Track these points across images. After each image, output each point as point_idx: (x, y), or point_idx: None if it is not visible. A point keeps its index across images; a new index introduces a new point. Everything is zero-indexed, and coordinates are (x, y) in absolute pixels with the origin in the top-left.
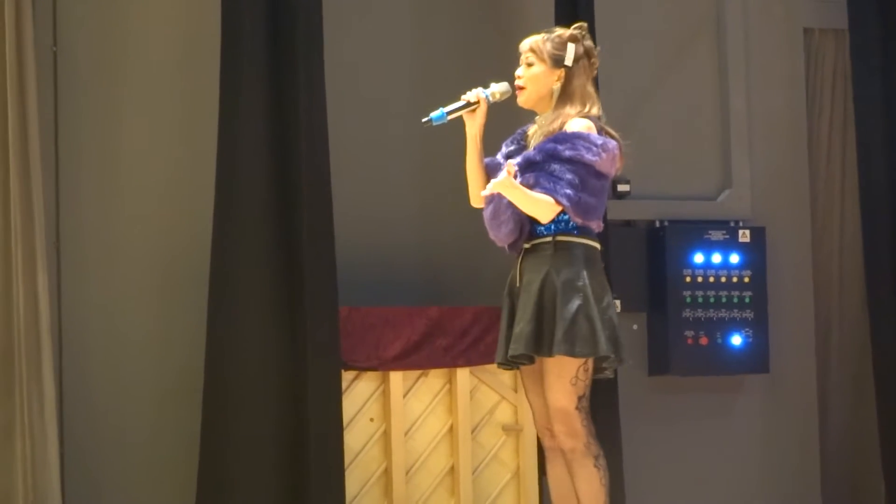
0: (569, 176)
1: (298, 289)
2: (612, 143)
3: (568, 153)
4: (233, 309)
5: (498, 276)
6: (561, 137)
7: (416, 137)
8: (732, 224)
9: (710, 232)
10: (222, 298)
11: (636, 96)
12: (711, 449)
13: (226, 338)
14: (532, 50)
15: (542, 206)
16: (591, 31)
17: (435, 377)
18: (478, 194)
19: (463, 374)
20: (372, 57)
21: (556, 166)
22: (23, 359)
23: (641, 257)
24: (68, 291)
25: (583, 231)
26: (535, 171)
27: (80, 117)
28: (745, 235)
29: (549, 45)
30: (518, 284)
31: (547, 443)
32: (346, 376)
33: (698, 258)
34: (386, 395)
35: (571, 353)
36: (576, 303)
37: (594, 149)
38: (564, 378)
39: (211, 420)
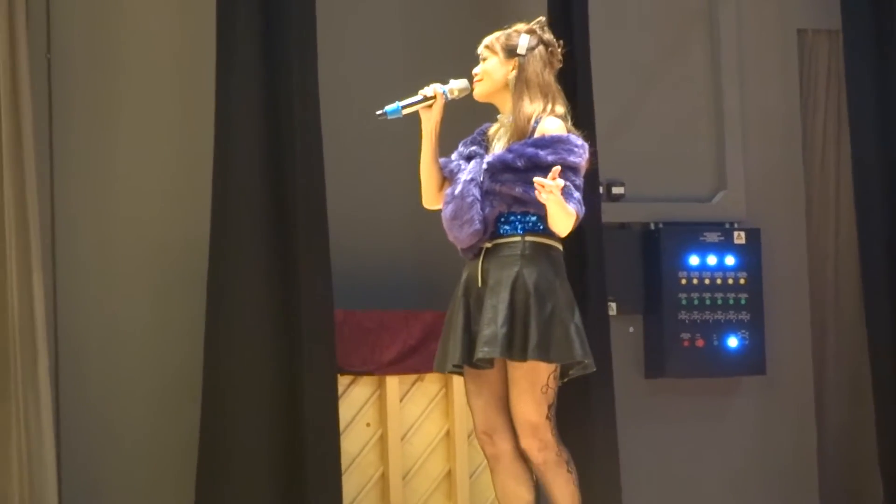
0: (567, 184)
1: (294, 293)
2: (587, 145)
3: (551, 158)
4: (230, 313)
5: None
6: (540, 142)
7: (410, 139)
8: (727, 226)
9: (704, 234)
10: (219, 302)
11: (629, 98)
12: (708, 451)
13: (222, 342)
14: (486, 46)
15: (571, 220)
16: (584, 30)
17: (431, 381)
18: (431, 194)
19: (459, 379)
20: (364, 58)
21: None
22: (18, 359)
23: (636, 259)
24: (64, 292)
25: (550, 232)
26: (517, 177)
27: (74, 122)
28: (740, 237)
29: (503, 39)
30: (480, 285)
31: (488, 450)
32: (342, 381)
33: (693, 260)
34: (382, 399)
35: (546, 359)
36: (549, 307)
37: (576, 150)
38: (536, 387)
39: (208, 423)
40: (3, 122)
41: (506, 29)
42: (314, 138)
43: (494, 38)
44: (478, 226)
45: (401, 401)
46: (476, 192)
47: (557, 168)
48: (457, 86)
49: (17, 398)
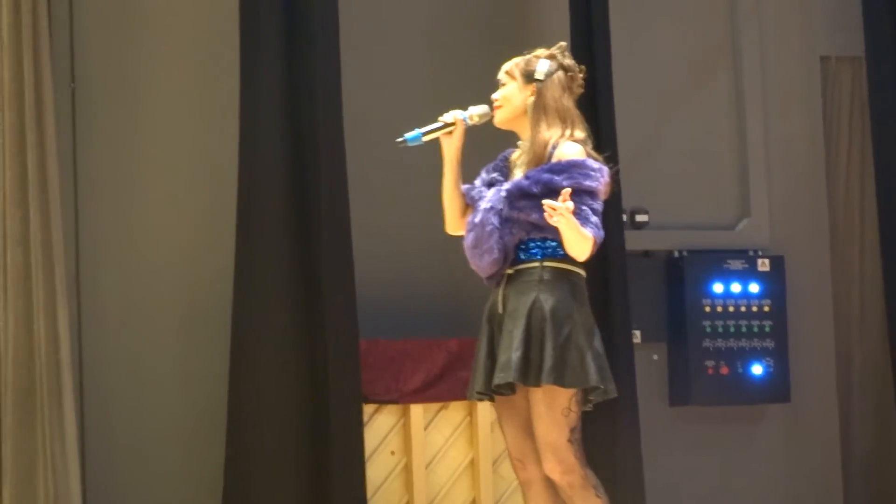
0: (584, 208)
1: (319, 323)
2: (606, 169)
3: (567, 183)
4: (254, 344)
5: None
6: (556, 167)
7: (434, 165)
8: (751, 253)
9: (728, 261)
10: (244, 333)
11: (652, 125)
12: (733, 479)
13: (247, 373)
14: (506, 72)
15: (588, 244)
16: (606, 58)
17: (455, 409)
18: (454, 221)
19: (483, 407)
20: (389, 83)
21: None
22: (44, 394)
23: (660, 287)
24: (89, 326)
25: (571, 258)
26: (534, 203)
27: (98, 153)
28: (763, 264)
29: (522, 64)
30: (501, 311)
31: (520, 475)
32: (367, 409)
33: (717, 288)
34: (406, 427)
35: (560, 384)
36: (565, 331)
37: (592, 174)
38: (555, 410)
39: (234, 456)
40: (29, 152)
41: (526, 55)
42: (339, 167)
43: (514, 64)
44: (497, 254)
45: (425, 429)
46: (495, 220)
47: (567, 190)
48: (477, 112)
49: (44, 432)
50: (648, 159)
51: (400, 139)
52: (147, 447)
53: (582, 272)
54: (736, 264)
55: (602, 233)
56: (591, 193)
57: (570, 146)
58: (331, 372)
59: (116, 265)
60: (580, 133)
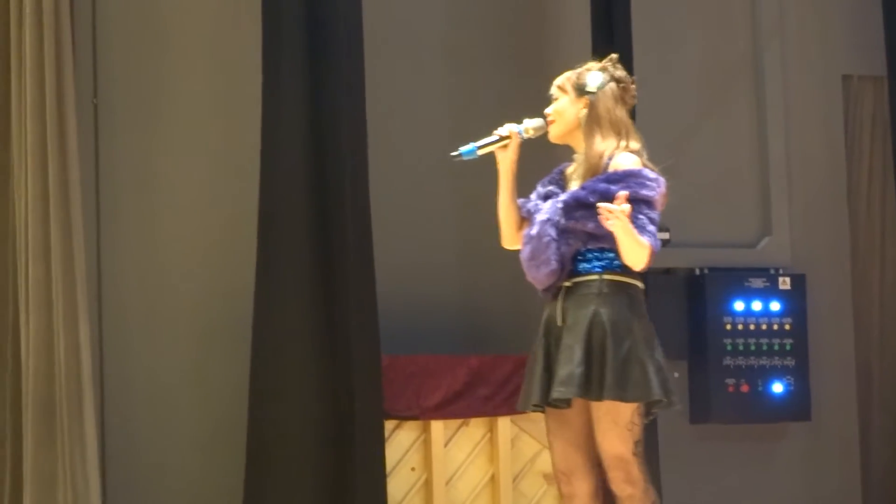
0: (641, 217)
1: (342, 338)
2: (662, 179)
3: (623, 193)
4: (276, 358)
5: (539, 324)
6: (613, 177)
7: (454, 182)
8: (772, 271)
9: (749, 279)
10: (266, 348)
11: (674, 143)
12: (753, 497)
13: (269, 387)
14: (558, 87)
15: (645, 252)
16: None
17: (476, 426)
18: (510, 235)
19: (504, 423)
20: (409, 102)
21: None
22: (64, 409)
23: (681, 305)
24: (110, 342)
25: (629, 270)
26: (590, 212)
27: (120, 169)
28: (785, 283)
29: (573, 78)
30: (560, 324)
31: (564, 489)
32: (388, 425)
33: (738, 306)
34: (427, 444)
35: (623, 398)
36: (626, 345)
37: (649, 184)
38: (620, 424)
39: (254, 471)
40: (51, 168)
41: (577, 68)
42: (362, 180)
43: (566, 78)
44: (554, 265)
45: (445, 445)
46: (552, 231)
47: (625, 193)
48: (532, 125)
49: (63, 447)
50: (670, 177)
51: (455, 153)
52: (167, 462)
53: (640, 284)
54: (757, 282)
55: (659, 243)
56: (648, 203)
57: (626, 156)
58: (354, 387)
59: (138, 278)
60: (635, 143)
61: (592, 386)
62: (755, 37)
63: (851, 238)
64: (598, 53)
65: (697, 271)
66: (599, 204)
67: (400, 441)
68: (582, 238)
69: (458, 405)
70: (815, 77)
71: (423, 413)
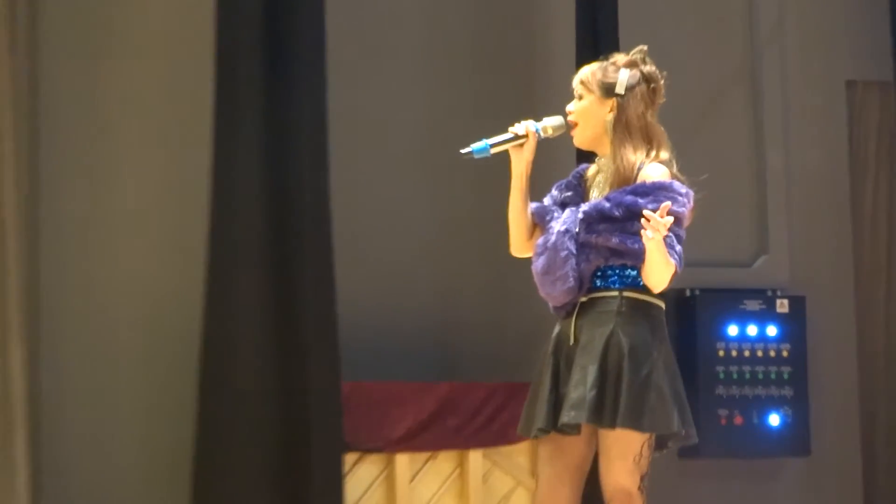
0: (670, 234)
1: (298, 365)
2: (692, 193)
3: (651, 206)
4: (227, 383)
5: (515, 348)
6: (640, 189)
7: (426, 198)
8: (769, 293)
9: (745, 301)
10: (216, 372)
11: None
12: None
13: (219, 414)
14: (582, 82)
15: (670, 273)
16: None
17: (444, 460)
18: (520, 242)
19: (475, 457)
20: (381, 111)
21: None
22: None
23: (670, 329)
24: (48, 362)
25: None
26: (614, 226)
27: (62, 178)
28: (783, 305)
29: (599, 74)
30: (572, 343)
31: None
32: (349, 459)
33: (732, 330)
34: (391, 479)
35: (638, 427)
36: (644, 371)
37: (679, 199)
38: (628, 456)
39: None
40: None
41: (603, 61)
42: (322, 198)
43: (591, 73)
44: (572, 283)
45: (411, 481)
46: (571, 245)
47: (667, 204)
48: (551, 124)
49: None
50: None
51: (465, 150)
52: (107, 489)
53: (662, 305)
54: (753, 305)
55: (682, 265)
56: (677, 220)
57: (655, 167)
58: (311, 416)
59: (80, 297)
60: (665, 153)
61: (605, 412)
62: (752, 40)
63: (855, 257)
64: (584, 62)
65: (688, 292)
66: (645, 211)
67: (361, 476)
68: (603, 254)
69: (425, 437)
70: (816, 83)
71: (387, 445)
